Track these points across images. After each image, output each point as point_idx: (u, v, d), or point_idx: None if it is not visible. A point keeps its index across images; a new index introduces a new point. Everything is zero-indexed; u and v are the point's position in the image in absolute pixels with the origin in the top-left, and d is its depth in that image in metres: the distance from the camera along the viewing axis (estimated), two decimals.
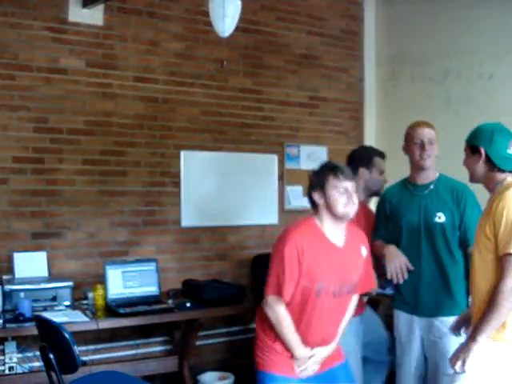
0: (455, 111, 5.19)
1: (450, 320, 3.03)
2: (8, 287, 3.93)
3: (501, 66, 5.02)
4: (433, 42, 5.51)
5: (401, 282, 3.20)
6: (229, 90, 5.27)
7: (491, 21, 5.06)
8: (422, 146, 3.22)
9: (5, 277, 4.08)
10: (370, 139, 6.08)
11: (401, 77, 5.87)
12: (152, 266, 4.40)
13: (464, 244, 3.17)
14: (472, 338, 2.53)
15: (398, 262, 3.17)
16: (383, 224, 3.43)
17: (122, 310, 3.95)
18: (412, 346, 3.28)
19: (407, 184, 3.37)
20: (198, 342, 4.61)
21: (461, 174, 3.05)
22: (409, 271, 3.18)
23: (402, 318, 3.35)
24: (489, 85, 5.10)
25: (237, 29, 3.70)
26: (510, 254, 2.45)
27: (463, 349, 2.55)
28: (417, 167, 3.29)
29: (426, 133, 3.25)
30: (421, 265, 3.20)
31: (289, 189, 5.56)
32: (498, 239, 2.51)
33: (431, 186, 3.25)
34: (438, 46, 5.44)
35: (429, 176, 3.27)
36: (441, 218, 3.16)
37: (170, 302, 4.28)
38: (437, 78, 5.50)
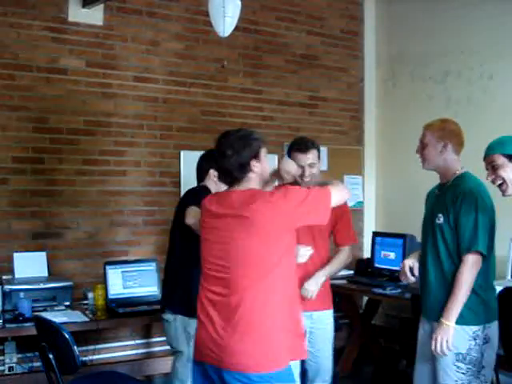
0: (455, 111, 5.17)
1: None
2: (8, 287, 3.94)
3: (501, 66, 5.02)
4: (433, 42, 5.51)
5: (404, 281, 3.29)
6: (229, 90, 5.27)
7: (491, 21, 5.05)
8: (419, 149, 3.15)
9: (5, 277, 4.09)
10: (370, 139, 6.09)
11: (401, 77, 5.87)
12: (152, 266, 4.40)
13: (459, 250, 3.01)
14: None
15: (403, 263, 3.25)
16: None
17: (121, 310, 3.95)
18: (428, 352, 3.06)
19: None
20: None
21: None
22: (412, 274, 3.19)
23: (421, 322, 3.21)
24: (489, 85, 5.10)
25: (237, 29, 3.71)
26: None
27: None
28: None
29: (423, 134, 3.12)
30: (427, 266, 3.11)
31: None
32: None
33: (445, 187, 3.14)
34: (438, 46, 5.43)
35: (446, 176, 3.14)
36: (440, 219, 3.08)
37: None
38: (437, 77, 5.50)
